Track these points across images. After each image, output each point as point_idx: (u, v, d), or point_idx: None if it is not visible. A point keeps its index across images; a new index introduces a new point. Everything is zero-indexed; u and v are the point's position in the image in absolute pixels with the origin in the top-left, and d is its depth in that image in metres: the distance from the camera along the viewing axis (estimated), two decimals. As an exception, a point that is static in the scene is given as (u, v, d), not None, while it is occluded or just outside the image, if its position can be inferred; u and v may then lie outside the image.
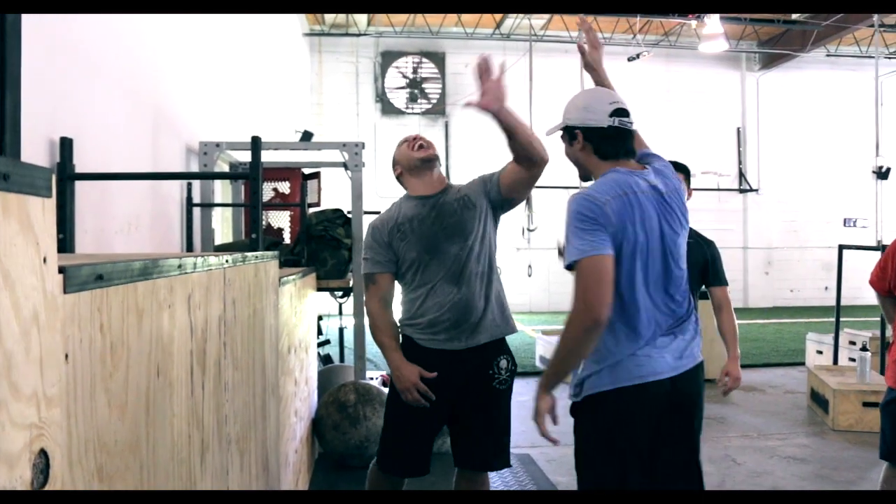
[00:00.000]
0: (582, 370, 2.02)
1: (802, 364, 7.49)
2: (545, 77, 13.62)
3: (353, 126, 14.18)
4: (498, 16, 13.47)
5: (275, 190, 5.13)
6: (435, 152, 2.56)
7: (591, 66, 2.35)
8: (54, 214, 0.71)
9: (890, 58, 15.12)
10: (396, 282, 2.58)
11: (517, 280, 13.63)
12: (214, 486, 1.42)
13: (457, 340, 2.45)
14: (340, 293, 4.87)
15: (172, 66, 4.11)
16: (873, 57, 13.28)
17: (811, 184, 15.79)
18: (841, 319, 6.42)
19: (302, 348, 3.50)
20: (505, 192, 2.47)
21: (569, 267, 1.88)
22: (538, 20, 13.47)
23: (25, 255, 0.64)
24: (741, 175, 15.66)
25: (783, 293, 15.77)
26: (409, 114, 14.59)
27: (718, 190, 15.30)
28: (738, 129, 15.73)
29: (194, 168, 4.32)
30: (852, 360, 6.27)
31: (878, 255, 5.92)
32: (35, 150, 2.39)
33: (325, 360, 5.91)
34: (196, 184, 4.27)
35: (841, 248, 6.44)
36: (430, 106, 14.60)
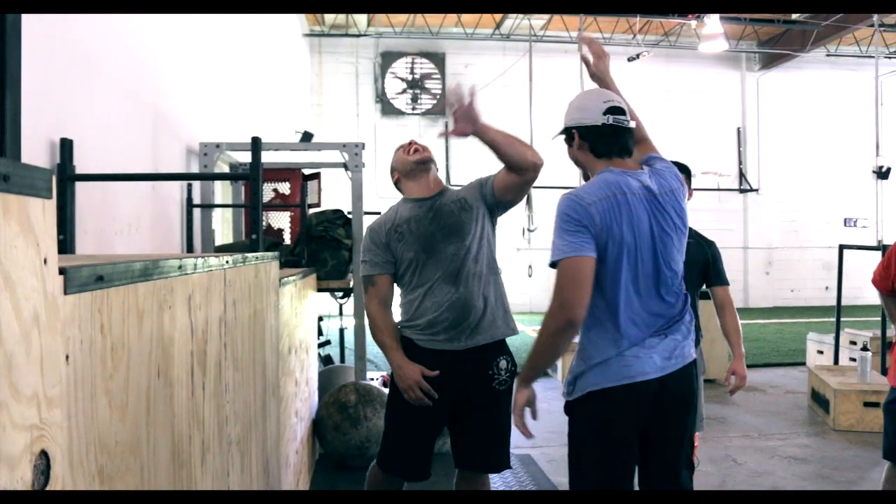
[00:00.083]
0: (572, 369, 2.05)
1: (803, 364, 7.49)
2: (545, 77, 13.61)
3: (353, 127, 14.18)
4: (498, 16, 13.47)
5: (275, 191, 5.13)
6: (430, 155, 2.58)
7: (598, 76, 2.33)
8: (55, 215, 0.71)
9: (890, 57, 15.12)
10: (396, 285, 2.60)
11: (517, 280, 13.63)
12: (215, 487, 1.42)
13: (456, 341, 2.45)
14: (341, 294, 4.87)
15: (172, 67, 4.12)
16: (873, 57, 13.28)
17: (811, 184, 15.79)
18: (841, 319, 6.42)
19: (302, 349, 3.50)
20: (499, 196, 2.49)
21: (553, 265, 1.93)
22: (538, 20, 13.47)
23: (26, 257, 0.64)
24: (741, 175, 15.66)
25: (784, 293, 15.77)
26: (409, 114, 14.60)
27: (719, 190, 15.29)
28: (739, 129, 15.73)
29: (194, 169, 4.32)
30: (853, 359, 6.27)
31: (878, 254, 5.92)
32: (35, 151, 2.39)
33: (326, 360, 5.91)
34: (196, 184, 4.27)
35: (841, 247, 6.44)
36: (430, 106, 14.61)
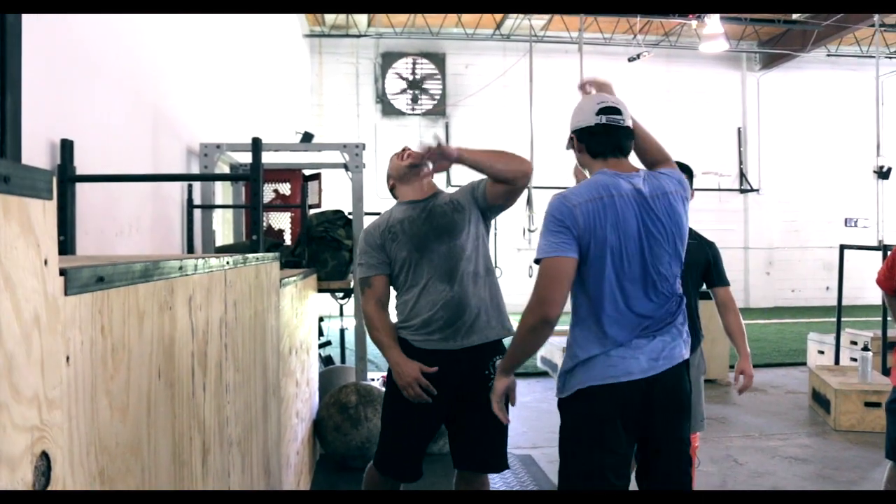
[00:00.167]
0: (562, 366, 2.09)
1: (804, 364, 7.49)
2: (545, 77, 13.61)
3: (354, 127, 14.18)
4: (498, 16, 13.47)
5: (275, 191, 5.13)
6: (422, 158, 2.61)
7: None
8: (55, 216, 0.71)
9: (890, 57, 15.12)
10: (391, 286, 2.64)
11: (518, 280, 13.61)
12: (216, 487, 1.42)
13: (451, 340, 2.48)
14: (341, 294, 4.87)
15: (172, 67, 4.12)
16: (874, 57, 13.28)
17: (812, 184, 15.79)
18: (842, 319, 6.42)
19: (303, 349, 3.50)
20: (491, 200, 2.54)
21: (537, 262, 1.99)
22: (538, 20, 13.47)
23: (26, 258, 0.64)
24: (742, 175, 15.66)
25: (784, 293, 15.77)
26: (409, 114, 14.60)
27: (719, 190, 15.30)
28: (739, 129, 15.73)
29: (195, 169, 4.32)
30: (854, 360, 6.26)
31: (879, 255, 5.92)
32: (36, 152, 2.40)
33: (327, 361, 5.90)
34: (197, 185, 4.27)
35: (842, 247, 6.43)
36: (430, 107, 14.61)
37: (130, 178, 3.12)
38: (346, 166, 4.37)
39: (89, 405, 0.80)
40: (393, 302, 2.64)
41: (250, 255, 1.89)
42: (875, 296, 3.02)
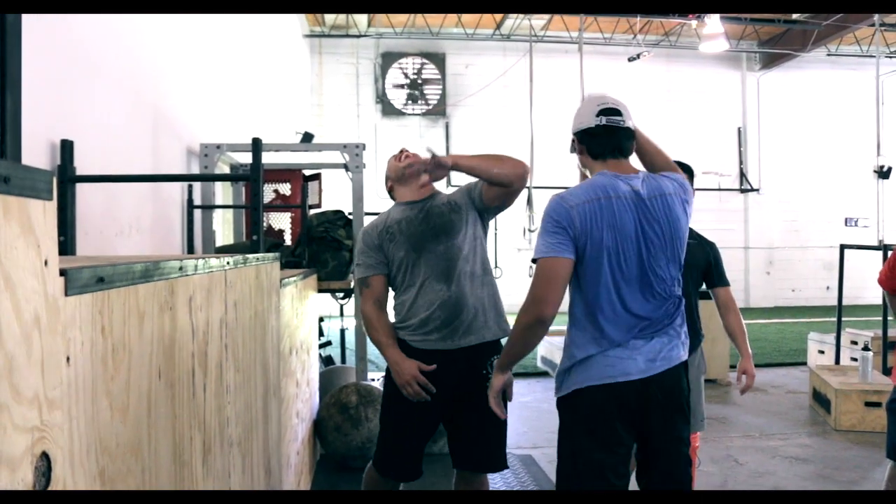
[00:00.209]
0: (559, 365, 2.11)
1: (804, 364, 7.49)
2: (546, 77, 13.61)
3: (354, 127, 14.18)
4: (498, 16, 13.47)
5: (276, 191, 5.12)
6: (419, 159, 2.63)
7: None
8: (55, 217, 0.70)
9: (891, 57, 15.11)
10: (390, 288, 2.65)
11: (518, 280, 13.60)
12: (216, 488, 1.42)
13: (448, 340, 2.49)
14: (341, 294, 4.87)
15: (173, 68, 4.12)
16: (874, 56, 13.27)
17: (812, 183, 15.78)
18: (843, 319, 6.41)
19: (303, 350, 3.50)
20: (487, 202, 2.56)
21: (534, 261, 2.02)
22: (538, 20, 13.47)
23: (26, 258, 0.64)
24: (742, 175, 15.66)
25: (784, 293, 15.76)
26: (409, 115, 14.60)
27: (719, 190, 15.29)
28: (739, 128, 15.73)
29: (195, 170, 4.32)
30: (854, 359, 6.26)
31: (879, 254, 5.92)
32: (36, 152, 2.40)
33: (327, 361, 5.90)
34: (197, 186, 4.27)
35: (842, 247, 6.43)
36: (430, 107, 14.61)
37: (130, 179, 3.11)
38: (346, 166, 4.37)
39: (90, 406, 0.80)
40: (391, 303, 2.65)
41: (250, 256, 1.89)
42: (875, 295, 3.02)
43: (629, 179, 2.02)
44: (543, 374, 7.08)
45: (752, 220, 15.75)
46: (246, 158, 4.65)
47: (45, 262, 0.68)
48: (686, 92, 15.34)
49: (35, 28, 2.22)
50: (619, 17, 13.41)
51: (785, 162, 15.78)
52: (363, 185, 4.33)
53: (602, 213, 1.96)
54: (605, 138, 2.06)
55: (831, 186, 15.75)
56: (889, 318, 5.79)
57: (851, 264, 6.36)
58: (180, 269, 1.15)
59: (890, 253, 3.04)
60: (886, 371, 5.72)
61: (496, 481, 3.81)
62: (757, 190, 15.67)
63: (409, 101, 14.58)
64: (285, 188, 5.11)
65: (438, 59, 14.61)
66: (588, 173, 2.15)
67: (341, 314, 6.22)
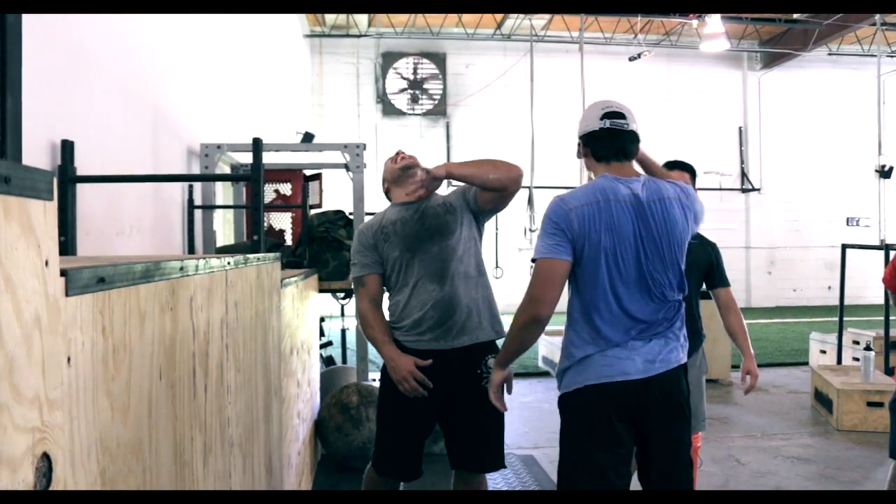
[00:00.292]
0: (558, 365, 2.14)
1: (806, 364, 7.48)
2: (546, 77, 13.61)
3: (355, 127, 14.18)
4: (498, 16, 13.47)
5: (276, 191, 5.12)
6: (415, 161, 2.66)
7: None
8: (56, 217, 0.70)
9: (892, 56, 15.10)
10: (385, 288, 2.66)
11: (518, 280, 13.61)
12: (217, 488, 1.42)
13: (442, 340, 2.50)
14: (342, 294, 4.87)
15: (173, 68, 4.12)
16: (875, 56, 13.27)
17: (814, 183, 15.77)
18: (844, 319, 6.41)
19: (304, 350, 3.50)
20: (482, 205, 2.58)
21: (534, 261, 2.05)
22: (539, 20, 13.46)
23: (27, 259, 0.64)
24: (743, 174, 15.65)
25: (786, 293, 15.75)
26: (409, 114, 14.60)
27: (721, 189, 15.28)
28: (740, 128, 15.72)
29: (195, 170, 4.32)
30: (856, 359, 6.26)
31: (881, 254, 5.91)
32: (36, 152, 2.39)
33: (328, 361, 5.90)
34: (197, 186, 4.27)
35: (844, 247, 6.42)
36: (431, 107, 14.61)
37: (131, 179, 3.11)
38: (346, 166, 4.37)
39: (90, 406, 0.80)
40: (386, 303, 2.66)
41: (251, 256, 1.89)
42: (877, 295, 3.02)
43: (629, 182, 2.05)
44: (545, 374, 7.08)
45: (754, 219, 15.74)
46: (246, 158, 4.65)
47: (46, 263, 0.67)
48: (687, 91, 15.33)
49: (35, 28, 2.22)
50: (619, 16, 13.40)
51: (786, 161, 15.77)
52: (364, 185, 4.33)
53: (600, 216, 1.98)
54: (608, 141, 2.09)
55: (833, 186, 15.74)
56: (891, 317, 5.79)
57: (853, 264, 6.35)
58: (181, 269, 1.15)
59: (893, 253, 3.03)
60: (888, 371, 5.71)
61: (498, 481, 3.81)
62: (758, 190, 15.66)
63: (410, 101, 14.58)
64: (286, 188, 5.11)
65: (439, 59, 14.61)
66: (593, 176, 2.16)
67: (342, 314, 6.22)
